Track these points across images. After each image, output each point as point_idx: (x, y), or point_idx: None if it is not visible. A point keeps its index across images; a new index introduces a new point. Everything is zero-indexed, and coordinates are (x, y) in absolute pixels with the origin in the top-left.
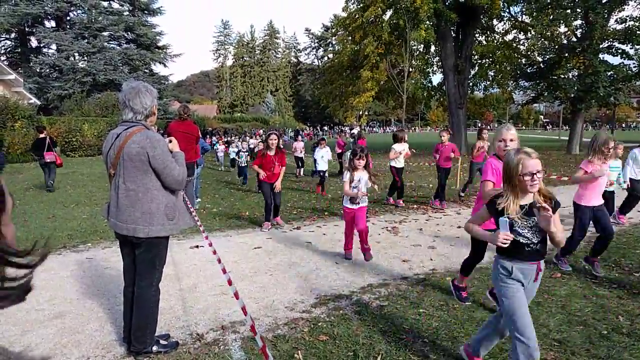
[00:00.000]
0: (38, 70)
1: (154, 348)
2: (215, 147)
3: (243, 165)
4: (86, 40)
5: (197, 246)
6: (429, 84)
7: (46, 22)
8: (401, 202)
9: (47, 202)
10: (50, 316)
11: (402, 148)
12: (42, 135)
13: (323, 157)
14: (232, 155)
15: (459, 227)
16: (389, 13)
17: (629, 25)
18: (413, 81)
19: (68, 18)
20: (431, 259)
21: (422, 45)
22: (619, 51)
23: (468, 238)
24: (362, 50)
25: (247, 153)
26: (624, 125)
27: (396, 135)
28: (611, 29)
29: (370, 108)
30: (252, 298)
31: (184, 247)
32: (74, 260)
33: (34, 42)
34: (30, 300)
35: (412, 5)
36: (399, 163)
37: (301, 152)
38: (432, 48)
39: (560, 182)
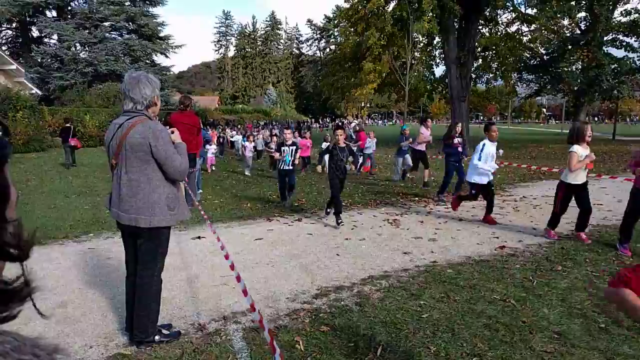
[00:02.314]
0: (39, 60)
1: (156, 337)
2: (243, 143)
3: (287, 168)
4: (87, 31)
5: (199, 237)
6: (432, 77)
7: (47, 12)
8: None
9: (48, 192)
10: (53, 305)
11: (586, 152)
12: (67, 125)
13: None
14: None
15: (460, 219)
16: (392, 4)
17: (634, 17)
18: (415, 73)
19: (69, 8)
20: (432, 251)
21: (425, 38)
22: (623, 44)
23: (470, 231)
24: (365, 42)
25: (294, 149)
26: (627, 119)
27: (581, 129)
28: (616, 22)
29: (372, 100)
30: (253, 289)
31: (186, 238)
32: (76, 251)
33: (35, 32)
34: None
35: None
36: (579, 177)
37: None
38: (436, 40)
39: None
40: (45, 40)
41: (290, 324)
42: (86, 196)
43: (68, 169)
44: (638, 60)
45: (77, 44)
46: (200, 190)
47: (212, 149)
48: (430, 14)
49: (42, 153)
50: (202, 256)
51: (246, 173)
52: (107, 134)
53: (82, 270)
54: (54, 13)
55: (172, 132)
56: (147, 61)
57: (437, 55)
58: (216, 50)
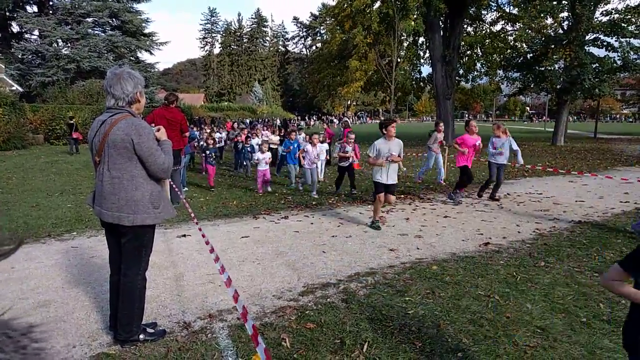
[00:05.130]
0: (20, 56)
1: (141, 336)
2: (293, 147)
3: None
4: (69, 27)
5: (184, 235)
6: (418, 74)
7: (28, 7)
8: None
9: (30, 190)
10: (35, 305)
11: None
12: (71, 121)
13: None
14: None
15: (446, 216)
16: (378, 3)
17: (613, 17)
18: (402, 72)
19: (50, 3)
20: (418, 248)
21: (411, 36)
22: (604, 43)
23: (455, 227)
24: (351, 40)
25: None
26: (607, 117)
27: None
28: (597, 22)
29: (359, 98)
30: (239, 287)
31: (171, 236)
32: (59, 249)
33: (15, 28)
34: (15, 290)
35: None
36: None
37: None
38: (421, 39)
39: (545, 172)
40: (26, 36)
41: (277, 322)
42: (69, 194)
43: (71, 155)
44: (618, 59)
45: (59, 40)
46: (186, 188)
47: (265, 158)
48: (416, 12)
49: (23, 151)
50: (188, 254)
51: (314, 194)
52: (90, 132)
53: (65, 269)
54: (35, 8)
55: (158, 130)
56: (131, 58)
57: (422, 54)
58: (202, 48)
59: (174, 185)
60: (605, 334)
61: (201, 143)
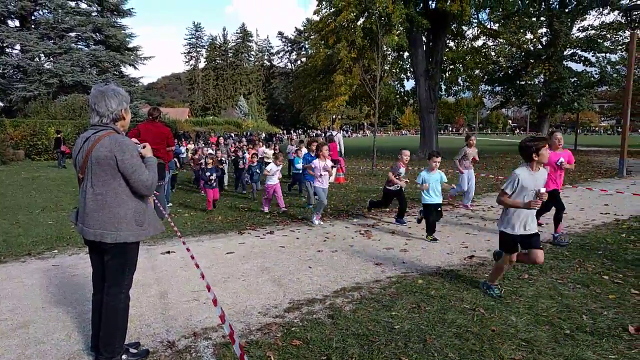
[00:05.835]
0: (0, 70)
1: (124, 357)
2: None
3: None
4: (52, 41)
5: (168, 252)
6: (402, 89)
7: (9, 22)
8: None
9: (10, 207)
10: (14, 326)
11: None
12: (58, 136)
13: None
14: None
15: None
16: (362, 18)
17: (590, 33)
18: (386, 86)
19: (33, 17)
20: (403, 262)
21: (395, 51)
22: (582, 58)
23: (440, 241)
24: (336, 55)
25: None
26: (586, 130)
27: None
28: (574, 37)
29: (343, 112)
30: (224, 304)
31: (155, 253)
32: (39, 268)
33: None
34: None
35: (384, 11)
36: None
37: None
38: (406, 54)
39: None
40: (8, 50)
41: (262, 339)
42: (50, 211)
43: (59, 168)
44: (596, 74)
45: (41, 55)
46: (170, 204)
47: (276, 171)
48: (400, 27)
49: (3, 167)
50: (172, 271)
51: (315, 222)
52: (75, 148)
53: (46, 289)
54: (17, 22)
55: (144, 147)
56: (115, 72)
57: (406, 68)
58: (186, 62)
59: (157, 201)
60: (589, 346)
61: (200, 161)
